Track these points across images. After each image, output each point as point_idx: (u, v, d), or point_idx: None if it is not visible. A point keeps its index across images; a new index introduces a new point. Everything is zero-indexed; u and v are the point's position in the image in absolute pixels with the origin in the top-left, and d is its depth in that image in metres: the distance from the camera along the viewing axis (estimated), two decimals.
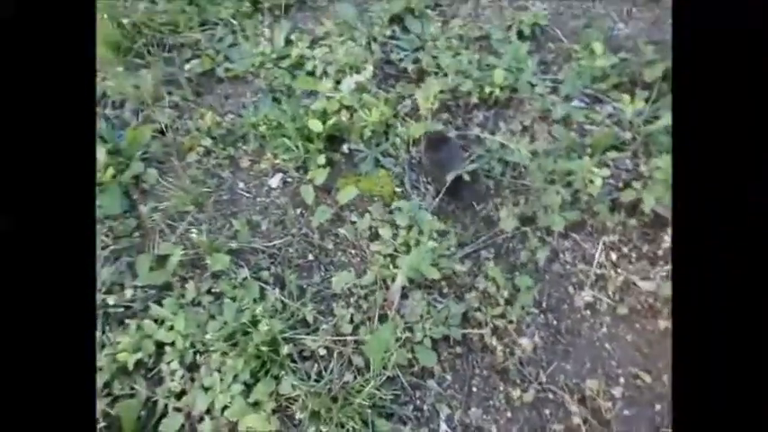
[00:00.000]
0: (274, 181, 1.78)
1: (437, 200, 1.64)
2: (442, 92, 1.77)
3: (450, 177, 1.62)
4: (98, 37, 1.99)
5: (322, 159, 1.72)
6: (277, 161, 1.78)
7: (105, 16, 2.03)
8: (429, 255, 1.42)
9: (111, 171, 1.74)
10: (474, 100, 1.77)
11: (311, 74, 1.95)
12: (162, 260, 1.59)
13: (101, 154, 1.75)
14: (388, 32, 2.02)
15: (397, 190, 1.70)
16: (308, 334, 1.38)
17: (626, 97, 1.66)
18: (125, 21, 2.06)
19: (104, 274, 1.58)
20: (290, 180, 1.77)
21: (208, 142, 1.83)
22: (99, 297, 1.45)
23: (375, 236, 1.56)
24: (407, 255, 1.45)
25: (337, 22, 2.08)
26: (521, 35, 1.92)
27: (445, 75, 1.85)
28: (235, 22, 2.11)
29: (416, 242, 1.48)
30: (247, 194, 1.75)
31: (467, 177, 1.61)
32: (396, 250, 1.48)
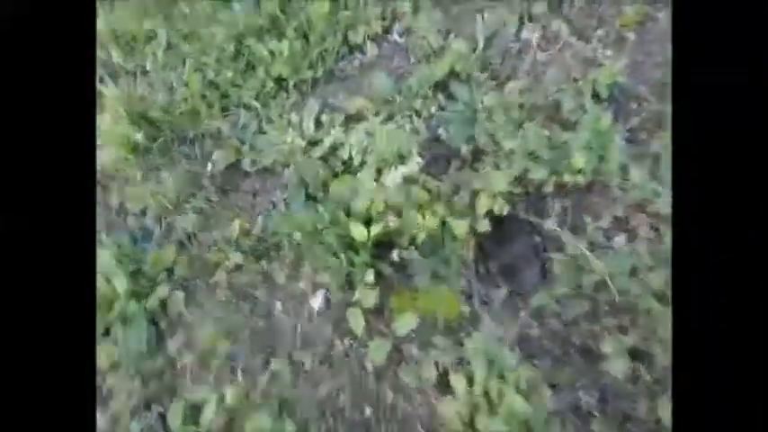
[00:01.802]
0: (316, 301, 1.52)
1: (518, 327, 1.33)
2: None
3: (533, 302, 1.32)
4: (113, 137, 1.82)
5: (370, 275, 1.44)
6: (317, 277, 1.52)
7: (122, 110, 1.85)
8: (516, 414, 1.11)
9: (133, 301, 1.53)
10: (548, 189, 1.46)
11: (347, 165, 1.69)
12: (196, 411, 1.36)
13: (122, 280, 1.55)
14: (433, 105, 1.73)
15: (464, 309, 1.40)
16: None
17: None
18: (142, 116, 1.87)
19: (134, 428, 1.37)
20: (333, 300, 1.50)
21: (238, 257, 1.60)
22: None
23: (443, 382, 1.26)
24: (489, 415, 1.15)
25: (372, 96, 1.81)
26: (596, 97, 1.59)
27: (506, 156, 1.54)
28: (257, 104, 1.88)
29: (499, 394, 1.18)
30: (286, 320, 1.50)
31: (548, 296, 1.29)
32: (475, 407, 1.18)
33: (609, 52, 1.69)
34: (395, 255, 1.52)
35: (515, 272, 1.43)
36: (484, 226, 1.42)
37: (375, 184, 1.55)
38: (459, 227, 1.44)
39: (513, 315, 1.36)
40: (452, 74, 1.78)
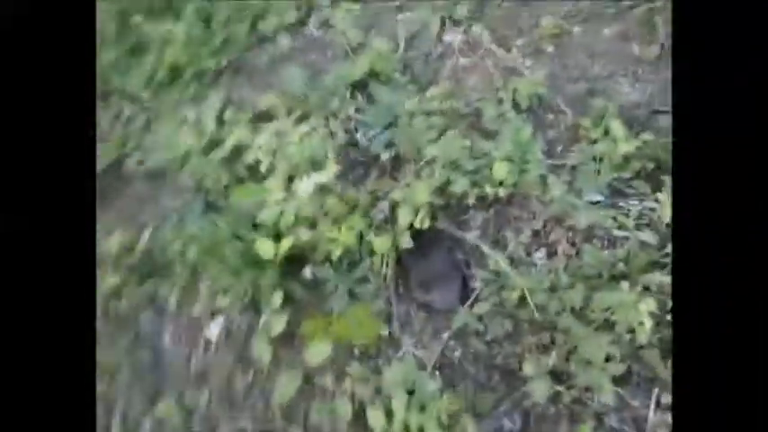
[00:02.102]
0: (213, 330, 1.31)
1: (439, 350, 1.24)
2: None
3: (455, 323, 1.23)
4: None
5: (278, 298, 1.27)
6: (216, 300, 1.31)
7: None
8: None
9: None
10: (470, 201, 1.39)
11: (253, 170, 1.49)
12: None
13: None
14: (351, 106, 1.60)
15: (384, 334, 1.29)
16: None
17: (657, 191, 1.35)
18: None
19: None
20: (234, 327, 1.31)
21: (116, 278, 1.33)
22: None
23: (360, 418, 1.13)
24: None
25: (283, 93, 1.63)
26: (516, 107, 1.56)
27: (428, 164, 1.45)
28: (145, 95, 1.60)
29: (419, 429, 1.07)
30: (177, 353, 1.28)
31: (475, 320, 1.22)
32: None
33: (528, 62, 1.68)
34: (307, 273, 1.36)
35: (436, 289, 1.34)
36: (405, 241, 1.31)
37: (285, 192, 1.38)
38: (379, 242, 1.32)
39: (434, 337, 1.28)
40: (372, 74, 1.66)
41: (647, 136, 1.41)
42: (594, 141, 1.47)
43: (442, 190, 1.40)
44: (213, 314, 1.31)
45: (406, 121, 1.55)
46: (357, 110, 1.62)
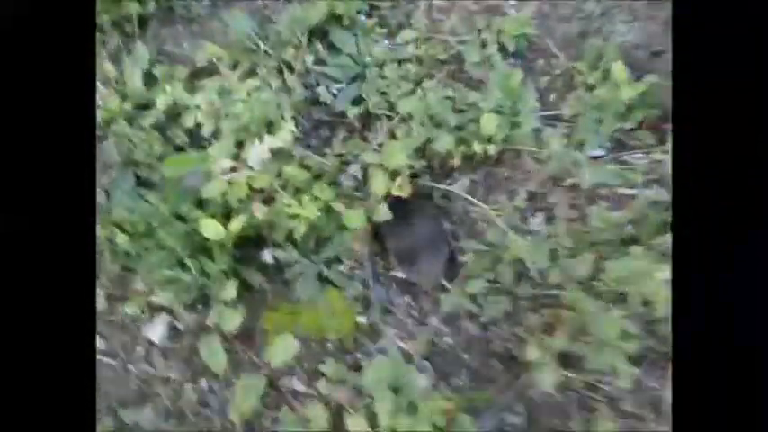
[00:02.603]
0: (155, 331, 1.08)
1: (428, 338, 1.06)
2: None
3: (444, 306, 1.05)
4: None
5: (232, 289, 1.05)
6: (155, 295, 1.08)
7: None
8: None
9: None
10: (456, 161, 1.19)
11: (193, 136, 1.24)
12: None
13: None
14: (309, 56, 1.35)
15: (361, 321, 1.09)
16: None
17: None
18: None
19: None
20: (181, 326, 1.08)
21: None
22: None
23: (338, 427, 0.94)
24: None
25: (227, 43, 1.36)
26: (503, 51, 1.35)
27: (403, 120, 1.23)
28: None
29: None
30: (110, 362, 1.05)
31: (467, 300, 1.04)
32: None
33: (513, 1, 1.46)
34: (266, 256, 1.14)
35: (420, 265, 1.15)
36: (382, 213, 1.10)
37: (233, 161, 1.14)
38: (352, 215, 1.11)
39: (421, 323, 1.09)
40: (333, 18, 1.40)
41: (651, 78, 1.23)
42: (592, 87, 1.28)
43: (422, 150, 1.19)
44: (153, 312, 1.08)
45: (376, 71, 1.32)
46: (317, 61, 1.37)
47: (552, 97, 1.33)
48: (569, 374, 1.00)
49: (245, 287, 1.08)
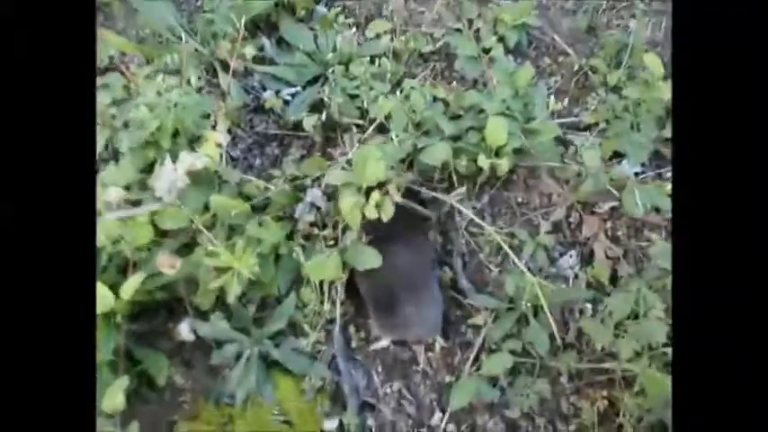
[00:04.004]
0: None
1: None
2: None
3: (455, 396, 0.70)
4: None
5: (118, 391, 0.66)
6: None
7: None
8: None
9: None
10: (453, 178, 0.87)
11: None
12: None
13: None
14: (250, 53, 1.01)
15: (329, 429, 0.72)
16: None
17: None
18: None
19: None
20: None
21: None
22: None
23: None
24: None
25: (142, 37, 1.01)
26: (503, 44, 1.07)
27: (381, 131, 0.91)
28: None
29: None
30: None
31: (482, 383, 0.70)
32: None
33: None
34: (182, 332, 0.76)
35: (408, 314, 0.79)
36: (365, 256, 0.75)
37: (132, 191, 0.77)
38: (317, 263, 0.75)
39: (420, 425, 0.73)
40: (282, 7, 1.09)
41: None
42: (615, 88, 1.02)
43: (408, 163, 0.87)
44: None
45: (340, 70, 1.00)
46: (261, 60, 1.05)
47: (566, 101, 1.05)
48: None
49: (144, 384, 0.70)
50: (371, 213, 0.74)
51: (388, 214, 0.74)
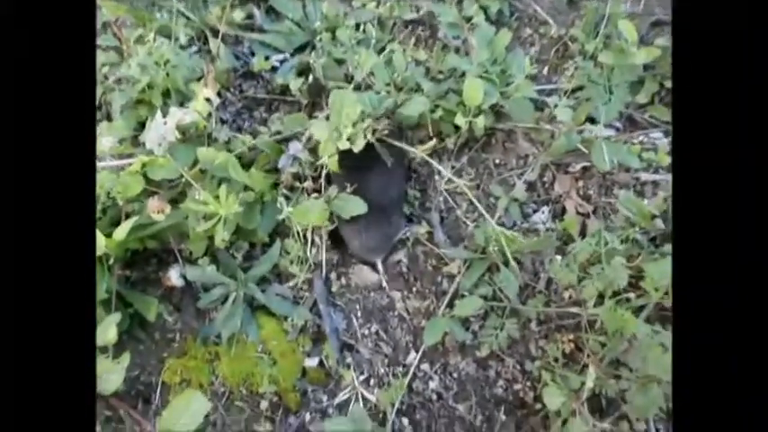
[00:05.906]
0: None
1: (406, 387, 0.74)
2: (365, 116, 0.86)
3: (428, 335, 0.74)
4: None
5: (111, 327, 0.70)
6: None
7: None
8: None
9: None
10: (431, 133, 0.90)
11: None
12: None
13: None
14: (238, 19, 1.05)
15: (310, 365, 0.76)
16: None
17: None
18: None
19: None
20: None
21: None
22: None
23: None
24: None
25: (130, 1, 1.04)
26: (484, 12, 1.10)
27: (369, 87, 0.95)
28: None
29: None
30: None
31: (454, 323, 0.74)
32: None
33: None
34: (172, 277, 0.80)
35: (369, 232, 0.82)
36: (343, 207, 0.79)
37: (122, 143, 0.81)
38: (302, 209, 0.79)
39: (394, 364, 0.78)
40: None
41: (662, 42, 1.01)
42: (593, 56, 1.05)
43: (386, 118, 0.90)
44: None
45: (327, 37, 1.03)
46: (249, 27, 1.08)
47: (545, 70, 1.08)
48: (605, 427, 0.71)
49: (133, 323, 0.74)
50: (344, 146, 0.77)
51: (358, 147, 0.77)
